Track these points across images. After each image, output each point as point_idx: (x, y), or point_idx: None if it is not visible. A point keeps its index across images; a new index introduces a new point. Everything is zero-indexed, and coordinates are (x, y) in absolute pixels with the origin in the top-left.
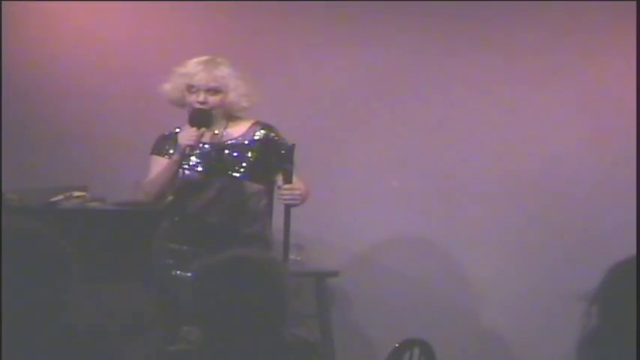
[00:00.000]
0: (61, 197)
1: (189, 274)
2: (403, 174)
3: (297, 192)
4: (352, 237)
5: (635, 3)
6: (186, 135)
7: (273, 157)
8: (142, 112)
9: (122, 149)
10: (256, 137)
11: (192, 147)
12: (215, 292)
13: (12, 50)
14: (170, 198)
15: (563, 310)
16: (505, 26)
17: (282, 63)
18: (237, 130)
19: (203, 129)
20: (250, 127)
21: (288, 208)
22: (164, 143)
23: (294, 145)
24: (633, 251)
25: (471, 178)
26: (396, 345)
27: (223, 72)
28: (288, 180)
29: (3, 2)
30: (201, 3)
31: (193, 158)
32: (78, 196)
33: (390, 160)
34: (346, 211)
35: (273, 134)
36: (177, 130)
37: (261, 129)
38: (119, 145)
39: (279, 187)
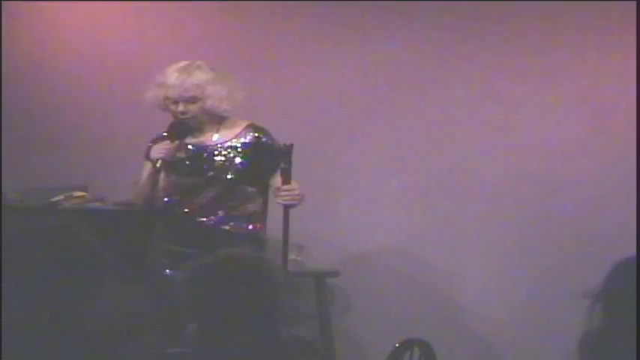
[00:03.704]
0: (61, 197)
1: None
2: (403, 174)
3: (297, 192)
4: (352, 237)
5: (634, 2)
6: (159, 148)
7: (266, 159)
8: (142, 112)
9: (122, 149)
10: (249, 140)
11: (165, 160)
12: (204, 291)
13: (12, 50)
14: (165, 200)
15: (563, 310)
16: (505, 25)
17: (283, 63)
18: (230, 133)
19: (177, 142)
20: (243, 130)
21: (286, 208)
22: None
23: (292, 145)
24: (633, 250)
25: (471, 178)
26: (396, 345)
27: (198, 79)
28: (286, 180)
29: (3, 2)
30: (201, 3)
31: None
32: (78, 196)
33: (391, 159)
34: (346, 211)
35: (265, 137)
36: (165, 134)
37: (254, 131)
38: (119, 145)
39: (277, 189)
